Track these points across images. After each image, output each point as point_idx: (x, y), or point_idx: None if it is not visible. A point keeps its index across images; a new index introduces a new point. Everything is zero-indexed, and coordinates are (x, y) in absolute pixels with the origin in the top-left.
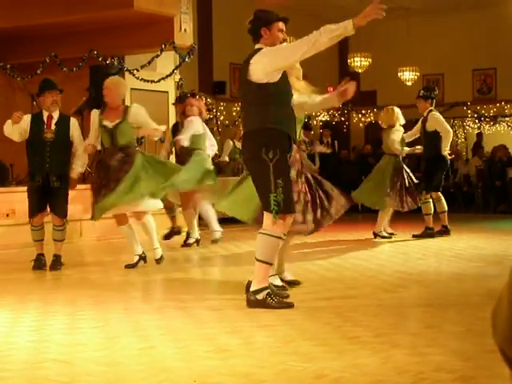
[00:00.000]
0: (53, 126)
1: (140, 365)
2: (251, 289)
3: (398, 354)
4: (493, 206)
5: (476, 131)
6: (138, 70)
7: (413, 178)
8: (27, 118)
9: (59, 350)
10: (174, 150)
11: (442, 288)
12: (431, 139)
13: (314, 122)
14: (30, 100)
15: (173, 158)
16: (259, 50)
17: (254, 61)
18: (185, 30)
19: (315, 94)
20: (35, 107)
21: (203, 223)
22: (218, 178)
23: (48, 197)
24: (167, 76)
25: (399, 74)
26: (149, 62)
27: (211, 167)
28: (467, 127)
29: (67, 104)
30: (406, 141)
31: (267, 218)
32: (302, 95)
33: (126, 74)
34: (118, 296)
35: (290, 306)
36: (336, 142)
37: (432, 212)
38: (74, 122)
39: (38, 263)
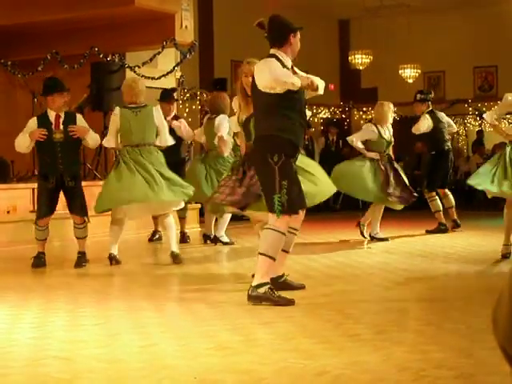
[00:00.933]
0: (61, 126)
1: (141, 362)
2: (252, 283)
3: (398, 351)
4: (493, 203)
5: (477, 129)
6: (139, 67)
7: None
8: (33, 123)
9: (60, 347)
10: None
11: (443, 285)
12: (429, 137)
13: (316, 120)
14: (30, 97)
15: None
16: (272, 55)
17: (256, 70)
18: (186, 26)
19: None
20: (36, 104)
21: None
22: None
23: (64, 197)
24: (168, 73)
25: (400, 72)
26: (150, 59)
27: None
28: (468, 124)
29: (68, 101)
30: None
31: (272, 215)
32: None
33: (127, 70)
34: (118, 293)
35: (291, 302)
36: (341, 141)
37: (441, 208)
38: (79, 118)
39: (38, 261)
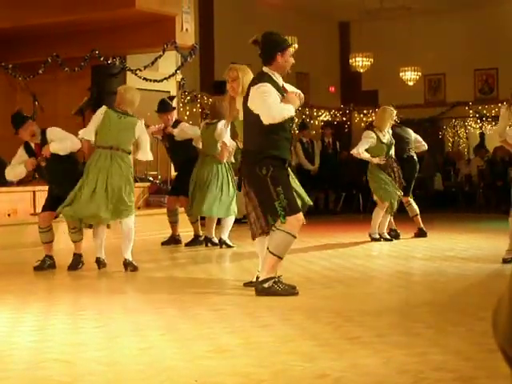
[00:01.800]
0: (43, 152)
1: (141, 364)
2: (260, 279)
3: (398, 353)
4: (494, 205)
5: (478, 131)
6: (140, 70)
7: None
8: (22, 152)
9: (61, 350)
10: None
11: (443, 288)
12: (396, 142)
13: (316, 122)
14: (31, 100)
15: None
16: (263, 74)
17: (251, 94)
18: (186, 29)
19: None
20: (37, 107)
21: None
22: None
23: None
24: (170, 76)
25: (401, 74)
26: (152, 63)
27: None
28: (469, 127)
29: (69, 104)
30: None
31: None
32: None
33: (129, 73)
34: (119, 296)
35: (295, 292)
36: (338, 142)
37: (418, 212)
38: (50, 131)
39: (41, 264)
